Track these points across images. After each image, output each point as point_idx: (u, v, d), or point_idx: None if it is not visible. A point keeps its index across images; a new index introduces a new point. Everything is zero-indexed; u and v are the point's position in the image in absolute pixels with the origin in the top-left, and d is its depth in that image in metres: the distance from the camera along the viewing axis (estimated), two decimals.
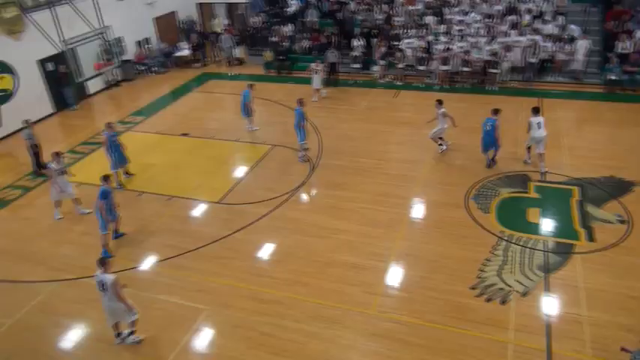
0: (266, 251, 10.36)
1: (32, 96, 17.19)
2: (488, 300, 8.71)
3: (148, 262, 10.25)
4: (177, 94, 19.63)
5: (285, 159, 13.92)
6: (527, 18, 18.30)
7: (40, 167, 13.97)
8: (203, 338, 8.38)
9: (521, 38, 17.62)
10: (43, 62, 17.39)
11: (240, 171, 13.52)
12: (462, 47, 17.71)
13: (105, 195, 10.23)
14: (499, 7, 19.14)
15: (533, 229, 10.45)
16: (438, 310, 8.55)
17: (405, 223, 10.94)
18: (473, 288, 8.96)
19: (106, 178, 10.35)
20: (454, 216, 11.00)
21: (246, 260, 10.09)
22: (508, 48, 17.46)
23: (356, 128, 15.48)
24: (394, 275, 9.46)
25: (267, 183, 12.77)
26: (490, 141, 12.58)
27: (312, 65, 17.52)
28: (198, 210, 11.97)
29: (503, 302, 8.64)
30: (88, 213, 11.80)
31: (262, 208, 11.70)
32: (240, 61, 22.39)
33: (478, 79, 18.02)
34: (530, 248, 9.88)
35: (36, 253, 10.76)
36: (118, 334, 8.30)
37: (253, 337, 8.28)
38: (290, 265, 9.84)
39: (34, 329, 8.78)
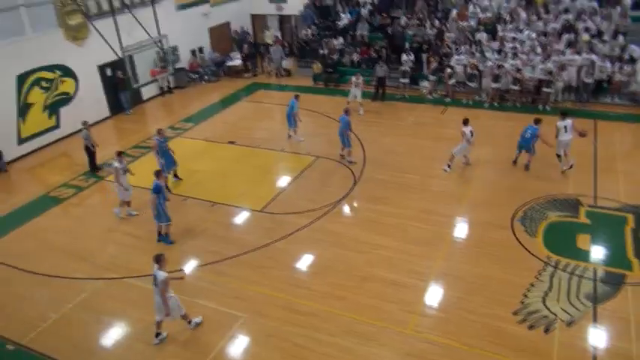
0: (305, 262, 10.37)
1: (90, 99, 18.01)
2: (531, 327, 8.37)
3: (190, 266, 10.46)
4: (226, 102, 20.07)
5: (328, 171, 13.95)
6: (585, 36, 17.69)
7: (94, 168, 14.61)
8: (238, 345, 8.46)
9: (577, 57, 17.03)
10: (102, 68, 18.25)
11: (284, 181, 13.63)
12: (514, 65, 17.29)
13: (157, 189, 10.62)
14: (555, 25, 18.60)
15: (583, 256, 10.00)
16: (475, 334, 8.29)
17: (447, 241, 10.72)
18: (515, 313, 8.65)
19: (158, 173, 10.86)
20: (498, 237, 10.69)
21: (285, 270, 10.13)
22: (563, 67, 16.91)
23: (401, 143, 15.35)
24: (433, 295, 9.26)
25: (309, 194, 12.82)
26: (526, 146, 13.02)
27: (353, 78, 17.60)
28: (241, 217, 12.14)
29: (547, 331, 8.29)
30: (136, 215, 12.20)
31: (303, 219, 11.74)
32: (289, 73, 22.69)
33: (529, 97, 17.54)
34: (578, 276, 9.46)
35: (84, 250, 11.19)
36: (157, 334, 8.52)
37: (287, 347, 8.27)
38: (328, 278, 9.80)
39: (77, 325, 9.09)
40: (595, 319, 8.48)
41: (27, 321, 9.22)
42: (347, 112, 13.86)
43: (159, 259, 8.12)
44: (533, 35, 18.41)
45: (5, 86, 15.30)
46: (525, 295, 9.04)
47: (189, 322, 8.71)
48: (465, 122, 13.15)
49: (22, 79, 15.71)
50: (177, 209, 12.45)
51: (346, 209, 12.18)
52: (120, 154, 11.98)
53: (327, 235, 11.14)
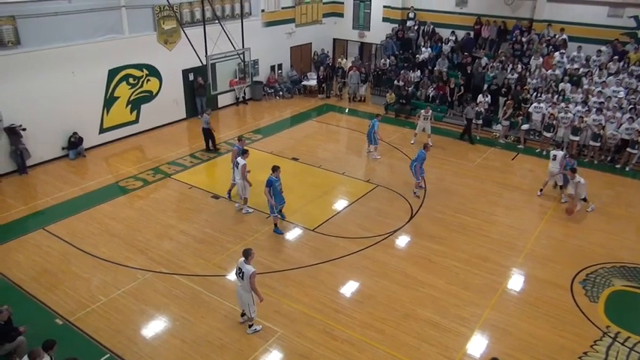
0: (348, 288, 10.24)
1: (170, 100, 18.96)
2: None
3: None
4: (296, 120, 20.47)
5: (386, 201, 13.80)
6: None
7: (214, 148, 16.78)
8: (271, 359, 8.42)
9: None
10: (185, 72, 19.20)
11: (340, 204, 13.62)
12: (597, 120, 16.49)
13: (269, 183, 11.54)
14: None
15: None
16: None
17: (499, 292, 10.23)
18: None
19: (274, 169, 11.75)
20: (555, 297, 10.09)
21: (327, 293, 10.05)
22: None
23: (464, 184, 14.97)
24: (477, 345, 8.84)
25: (363, 221, 12.72)
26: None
27: (422, 111, 17.61)
28: (293, 234, 12.21)
29: None
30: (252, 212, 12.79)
31: (353, 245, 11.64)
32: (361, 99, 22.85)
33: (609, 156, 16.63)
34: (639, 353, 8.72)
35: (140, 242, 11.65)
36: (243, 314, 9.06)
37: None
38: (369, 308, 9.62)
39: (123, 312, 9.42)
40: None
41: (78, 300, 9.67)
42: (425, 147, 14.02)
43: (247, 254, 8.47)
44: (622, 92, 17.54)
45: (97, 78, 16.42)
46: None
47: (250, 326, 8.93)
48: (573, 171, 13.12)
49: (113, 73, 16.81)
50: (234, 216, 12.76)
51: (398, 242, 11.96)
52: (245, 151, 12.64)
53: (374, 265, 10.97)
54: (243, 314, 9.06)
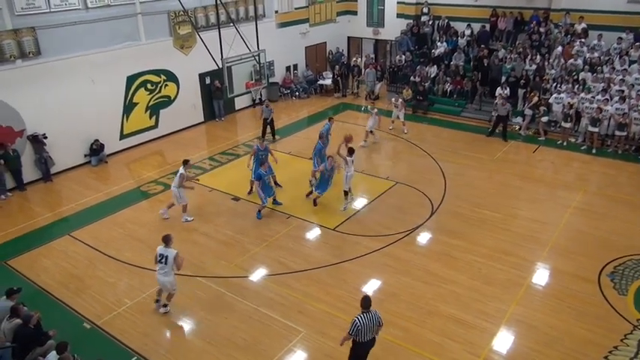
0: (370, 287, 10.21)
1: (188, 104, 19.15)
2: None
3: (257, 274, 10.67)
4: (313, 119, 20.48)
5: (406, 197, 13.72)
6: None
7: (273, 137, 17.84)
8: (295, 359, 8.45)
9: None
10: (202, 76, 19.37)
11: (360, 202, 13.59)
12: (620, 109, 16.13)
13: (259, 177, 12.51)
14: None
15: None
16: None
17: (523, 287, 10.10)
18: None
19: (262, 163, 12.73)
20: (582, 291, 9.91)
21: (350, 291, 10.03)
22: None
23: (485, 178, 14.80)
24: (502, 341, 8.74)
25: (383, 219, 12.67)
26: None
27: (392, 99, 18.05)
28: (313, 233, 12.23)
29: None
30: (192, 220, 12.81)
31: (375, 243, 11.61)
32: (377, 96, 22.73)
33: (635, 145, 16.26)
34: None
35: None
36: (157, 300, 9.66)
37: None
38: (391, 306, 9.57)
39: (148, 314, 9.56)
40: None
41: (104, 304, 9.83)
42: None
43: (168, 239, 9.13)
44: None
45: (116, 85, 16.67)
46: (607, 358, 8.28)
47: (165, 305, 9.56)
48: None
49: (131, 80, 17.05)
50: (254, 217, 12.81)
51: (420, 239, 11.89)
52: (186, 162, 12.64)
53: (396, 262, 10.92)
54: (157, 301, 9.61)
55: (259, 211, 12.84)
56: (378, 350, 8.46)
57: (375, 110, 17.47)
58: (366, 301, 7.35)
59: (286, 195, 13.91)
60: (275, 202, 13.33)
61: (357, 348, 7.48)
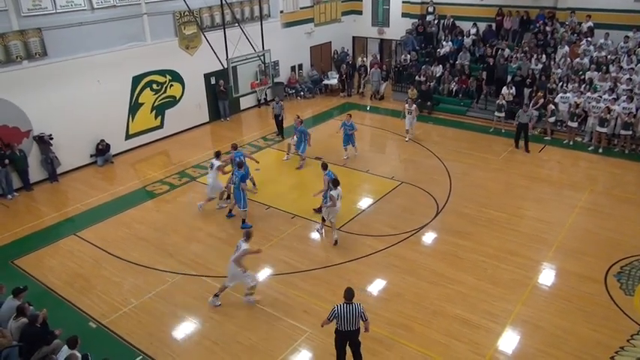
0: (375, 286, 10.21)
1: (194, 104, 19.19)
2: None
3: (262, 274, 10.67)
4: (318, 119, 20.47)
5: (411, 197, 13.69)
6: None
7: (280, 133, 18.11)
8: (300, 359, 8.45)
9: None
10: (207, 76, 19.41)
11: (365, 202, 13.57)
12: (627, 109, 16.02)
13: (243, 179, 12.11)
14: None
15: None
16: None
17: (529, 287, 10.05)
18: None
19: (240, 165, 12.33)
20: (588, 291, 9.86)
21: (355, 291, 9.97)
22: None
23: (491, 178, 14.75)
24: (508, 341, 8.70)
25: (389, 219, 12.65)
26: None
27: (406, 105, 17.54)
28: (318, 233, 12.21)
29: None
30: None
31: (379, 243, 11.59)
32: (382, 96, 22.69)
33: None
34: None
35: (168, 245, 11.82)
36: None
37: None
38: (397, 306, 9.56)
39: (154, 314, 9.58)
40: None
41: (110, 303, 9.87)
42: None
43: (248, 234, 9.40)
44: None
45: (122, 86, 16.73)
46: (613, 359, 8.23)
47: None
48: None
49: (137, 80, 17.11)
50: (259, 217, 12.83)
51: (425, 239, 11.86)
52: (218, 154, 12.93)
53: (401, 262, 10.90)
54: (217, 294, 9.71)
55: (244, 220, 12.40)
56: (383, 350, 8.48)
57: (414, 107, 17.47)
58: (348, 293, 7.58)
59: (293, 195, 13.91)
60: (230, 214, 12.98)
61: (336, 334, 7.83)
